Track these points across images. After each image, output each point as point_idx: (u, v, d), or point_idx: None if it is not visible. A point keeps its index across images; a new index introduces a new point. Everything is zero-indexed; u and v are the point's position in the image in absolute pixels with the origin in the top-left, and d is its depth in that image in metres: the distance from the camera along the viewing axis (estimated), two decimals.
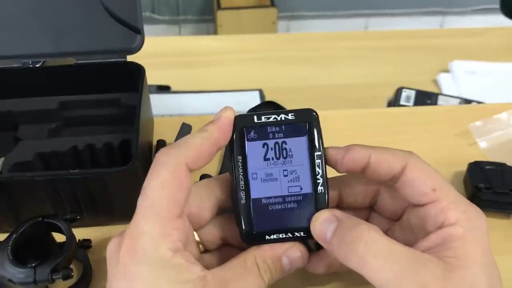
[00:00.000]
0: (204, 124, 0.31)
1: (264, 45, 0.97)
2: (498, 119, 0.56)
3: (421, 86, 0.84)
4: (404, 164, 0.30)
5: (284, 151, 0.31)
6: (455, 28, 1.76)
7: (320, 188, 0.31)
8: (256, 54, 0.94)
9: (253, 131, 0.31)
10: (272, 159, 0.31)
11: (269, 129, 0.31)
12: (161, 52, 0.89)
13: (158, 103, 0.57)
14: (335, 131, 0.42)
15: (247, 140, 0.31)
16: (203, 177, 0.46)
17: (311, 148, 0.31)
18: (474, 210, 0.29)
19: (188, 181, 0.29)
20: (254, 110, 0.57)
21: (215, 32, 1.95)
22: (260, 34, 1.49)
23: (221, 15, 1.88)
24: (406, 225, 0.32)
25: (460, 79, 0.90)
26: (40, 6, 0.47)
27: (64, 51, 0.48)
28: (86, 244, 0.40)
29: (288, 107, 0.55)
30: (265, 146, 0.31)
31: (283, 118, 0.31)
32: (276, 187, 0.31)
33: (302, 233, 0.31)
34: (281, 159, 0.31)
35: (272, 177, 0.31)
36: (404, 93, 0.81)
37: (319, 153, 0.31)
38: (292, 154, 0.31)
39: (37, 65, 0.47)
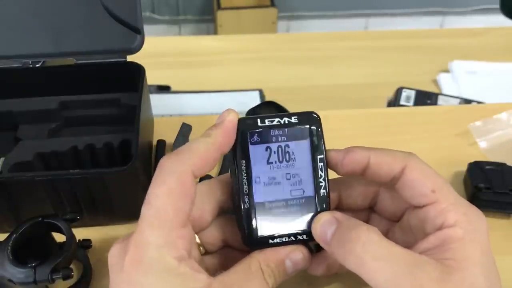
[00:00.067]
0: (207, 128, 0.30)
1: (264, 45, 0.97)
2: (498, 119, 0.56)
3: (421, 86, 0.84)
4: (404, 165, 0.30)
5: (287, 154, 0.31)
6: (455, 28, 1.76)
7: (322, 191, 0.31)
8: (256, 54, 0.94)
9: (256, 134, 0.31)
10: (275, 162, 0.31)
11: (272, 133, 0.31)
12: (161, 52, 0.89)
13: (158, 103, 0.57)
14: (335, 131, 0.42)
15: (250, 144, 0.31)
16: (202, 178, 0.46)
17: (314, 151, 0.31)
18: (474, 212, 0.29)
19: (193, 190, 0.28)
20: (254, 110, 0.57)
21: (215, 32, 1.95)
22: (260, 34, 1.49)
23: (221, 15, 1.88)
24: (405, 226, 0.32)
25: (460, 79, 0.90)
26: (40, 6, 0.47)
27: (64, 51, 0.48)
28: (86, 244, 0.40)
29: (288, 107, 0.55)
30: (268, 150, 0.31)
31: (286, 122, 0.31)
32: (279, 191, 0.31)
33: (304, 236, 0.31)
34: (284, 162, 0.31)
35: (275, 181, 0.31)
36: (404, 93, 0.81)
37: (321, 156, 0.31)
38: (294, 158, 0.31)
39: (37, 65, 0.47)
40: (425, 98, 0.81)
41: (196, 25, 2.11)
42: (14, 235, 0.36)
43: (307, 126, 0.31)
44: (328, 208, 0.31)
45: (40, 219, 0.37)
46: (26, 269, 0.34)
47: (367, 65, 0.94)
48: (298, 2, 2.06)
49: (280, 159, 0.31)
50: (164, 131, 0.52)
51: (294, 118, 0.31)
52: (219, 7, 1.88)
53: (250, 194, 0.31)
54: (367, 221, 0.35)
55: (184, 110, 0.82)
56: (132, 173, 0.39)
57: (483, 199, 0.45)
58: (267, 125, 0.31)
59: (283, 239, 0.31)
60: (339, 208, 0.34)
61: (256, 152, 0.31)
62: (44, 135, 0.48)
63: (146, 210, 0.28)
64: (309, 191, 0.31)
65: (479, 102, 0.79)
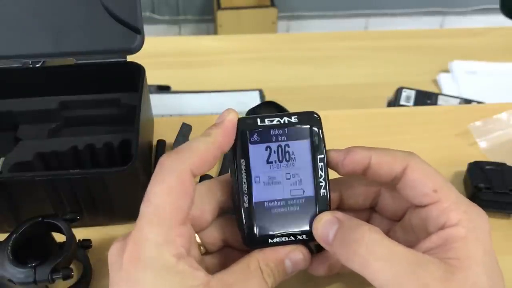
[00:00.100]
0: (207, 127, 0.30)
1: (264, 45, 0.97)
2: (498, 119, 0.56)
3: (421, 86, 0.84)
4: (405, 165, 0.30)
5: (287, 154, 0.31)
6: (455, 28, 1.76)
7: (322, 191, 0.31)
8: (256, 54, 0.94)
9: (256, 134, 0.31)
10: (275, 162, 0.31)
11: (272, 132, 0.31)
12: (161, 52, 0.89)
13: (158, 103, 0.57)
14: (335, 131, 0.41)
15: (250, 143, 0.31)
16: (203, 178, 0.46)
17: (314, 151, 0.31)
18: (475, 210, 0.29)
19: (193, 188, 0.29)
20: (254, 110, 0.57)
21: (215, 32, 1.95)
22: (260, 34, 1.49)
23: (221, 15, 1.88)
24: (407, 225, 0.32)
25: (460, 79, 0.90)
26: (40, 6, 0.47)
27: (64, 51, 0.48)
28: (86, 244, 0.40)
29: (288, 107, 0.55)
30: (268, 149, 0.31)
31: (286, 121, 0.31)
32: (279, 191, 0.31)
33: (304, 236, 0.31)
34: (284, 162, 0.31)
35: (275, 180, 0.31)
36: (404, 93, 0.81)
37: (322, 156, 0.31)
38: (295, 157, 0.31)
39: (37, 65, 0.47)
40: (425, 98, 0.81)
41: (196, 25, 2.11)
42: (14, 235, 0.36)
43: (308, 126, 0.31)
44: (328, 208, 0.31)
45: (40, 219, 0.37)
46: (26, 269, 0.34)
47: (367, 65, 0.94)
48: (298, 2, 2.06)
49: (280, 159, 0.31)
50: (164, 131, 0.52)
51: (294, 118, 0.31)
52: (219, 7, 1.88)
53: (249, 193, 0.31)
54: (368, 220, 0.35)
55: (184, 110, 0.82)
56: (132, 173, 0.39)
57: (483, 199, 0.45)
58: (267, 125, 0.31)
59: (283, 239, 0.31)
60: (340, 208, 0.34)
61: (256, 151, 0.31)
62: (44, 135, 0.48)
63: (145, 208, 0.28)
64: (309, 191, 0.31)
65: (479, 102, 0.79)
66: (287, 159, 0.31)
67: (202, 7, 2.05)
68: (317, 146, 0.31)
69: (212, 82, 0.88)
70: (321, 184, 0.31)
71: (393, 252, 0.27)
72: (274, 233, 0.31)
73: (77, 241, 0.38)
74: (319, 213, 0.31)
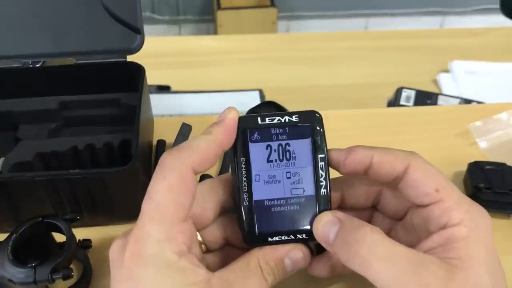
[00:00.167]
0: (208, 126, 0.31)
1: (264, 45, 0.97)
2: (498, 119, 0.56)
3: (421, 86, 0.84)
4: (407, 165, 0.30)
5: (288, 153, 0.31)
6: (455, 28, 1.75)
7: (323, 190, 0.31)
8: (256, 54, 0.94)
9: (256, 132, 0.31)
10: (276, 161, 0.31)
11: (272, 131, 0.31)
12: (161, 52, 0.89)
13: (158, 103, 0.57)
14: (335, 131, 0.41)
15: (250, 142, 0.31)
16: (203, 177, 0.46)
17: (315, 150, 0.31)
18: (477, 210, 0.29)
19: (194, 185, 0.29)
20: (254, 110, 0.57)
21: (215, 32, 1.95)
22: (260, 34, 1.49)
23: (221, 15, 1.88)
24: (409, 225, 0.32)
25: (460, 79, 0.90)
26: (40, 6, 0.47)
27: (64, 51, 0.48)
28: (86, 244, 0.40)
29: (288, 107, 0.55)
30: (269, 148, 0.31)
31: (287, 120, 0.31)
32: (279, 189, 0.31)
33: (304, 235, 0.31)
34: (285, 161, 0.31)
35: (275, 179, 0.31)
36: (404, 93, 0.81)
37: (323, 155, 0.31)
38: (295, 156, 0.31)
39: (37, 65, 0.47)
40: (425, 98, 0.81)
41: (196, 25, 2.11)
42: (14, 235, 0.36)
43: (309, 125, 0.31)
44: (329, 208, 0.31)
45: (40, 219, 0.37)
46: (26, 269, 0.34)
47: (367, 65, 0.94)
48: (298, 2, 2.06)
49: (281, 158, 0.31)
50: (164, 131, 0.52)
51: (295, 117, 0.31)
52: (219, 7, 1.88)
53: (249, 191, 0.31)
54: (369, 220, 0.35)
55: (184, 110, 0.82)
56: (132, 173, 0.39)
57: (483, 199, 0.45)
58: (267, 124, 0.31)
59: (283, 238, 0.31)
60: (342, 207, 0.34)
61: (256, 150, 0.31)
62: (44, 135, 0.48)
63: (147, 205, 0.28)
64: (310, 190, 0.31)
65: (479, 102, 0.79)
66: (288, 158, 0.31)
67: (202, 7, 2.05)
68: (318, 145, 0.31)
69: (212, 82, 0.88)
70: (321, 183, 0.31)
71: (394, 252, 0.27)
72: (274, 231, 0.31)
73: (77, 241, 0.38)
74: (320, 212, 0.31)
